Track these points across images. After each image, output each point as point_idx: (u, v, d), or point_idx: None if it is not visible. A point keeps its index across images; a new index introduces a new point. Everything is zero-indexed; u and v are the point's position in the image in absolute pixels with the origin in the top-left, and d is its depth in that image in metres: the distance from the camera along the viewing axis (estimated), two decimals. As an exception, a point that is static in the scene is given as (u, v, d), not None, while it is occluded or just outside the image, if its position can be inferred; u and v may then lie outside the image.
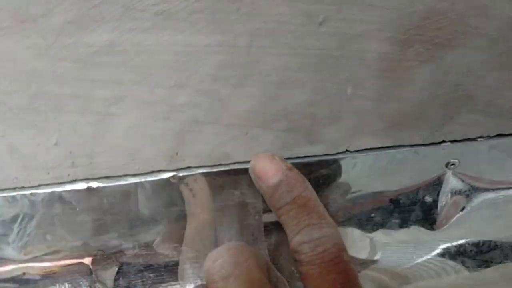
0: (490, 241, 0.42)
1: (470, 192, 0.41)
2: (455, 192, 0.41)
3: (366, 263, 0.42)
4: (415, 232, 0.40)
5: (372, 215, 0.39)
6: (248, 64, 0.30)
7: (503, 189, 0.42)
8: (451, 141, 0.39)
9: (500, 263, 0.43)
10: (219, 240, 0.33)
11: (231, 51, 0.30)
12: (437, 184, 0.40)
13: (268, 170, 0.29)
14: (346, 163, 0.37)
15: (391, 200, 0.39)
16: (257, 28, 0.30)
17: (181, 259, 0.31)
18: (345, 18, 0.30)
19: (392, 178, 0.39)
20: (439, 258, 0.42)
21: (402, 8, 0.31)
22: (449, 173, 0.40)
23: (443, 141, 0.39)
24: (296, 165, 0.32)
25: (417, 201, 0.40)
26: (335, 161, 0.36)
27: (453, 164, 0.40)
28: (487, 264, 0.43)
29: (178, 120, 0.31)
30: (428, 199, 0.40)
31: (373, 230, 0.39)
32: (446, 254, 0.42)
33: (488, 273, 0.45)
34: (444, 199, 0.40)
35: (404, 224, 0.40)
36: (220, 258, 0.26)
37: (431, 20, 0.32)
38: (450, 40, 0.33)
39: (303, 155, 0.36)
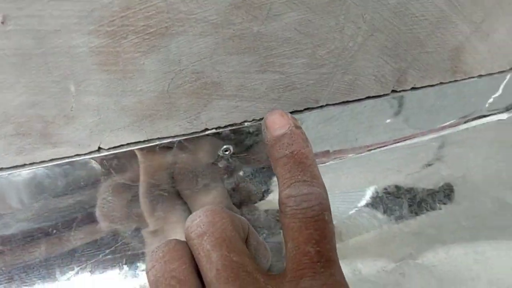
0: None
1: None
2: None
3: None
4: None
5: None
6: None
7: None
8: (216, 129, 0.36)
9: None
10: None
11: None
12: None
13: (277, 122, 0.32)
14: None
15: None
16: None
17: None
18: (31, 14, 0.27)
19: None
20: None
21: (96, 0, 0.28)
22: (226, 159, 0.38)
23: (206, 129, 0.36)
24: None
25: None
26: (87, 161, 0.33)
27: (226, 151, 0.37)
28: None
29: None
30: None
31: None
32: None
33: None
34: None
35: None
36: (198, 218, 0.28)
37: (134, 9, 0.29)
38: (167, 28, 0.30)
39: (49, 159, 0.34)
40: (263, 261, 0.30)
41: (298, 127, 0.30)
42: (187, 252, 0.27)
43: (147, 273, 0.28)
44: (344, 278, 0.28)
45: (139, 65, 0.31)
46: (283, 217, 0.27)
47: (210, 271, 0.25)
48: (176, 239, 0.29)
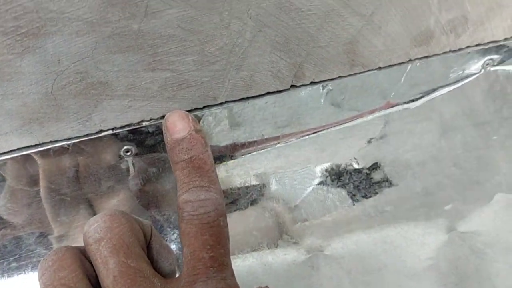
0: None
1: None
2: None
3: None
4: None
5: None
6: None
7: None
8: (112, 129, 0.34)
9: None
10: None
11: None
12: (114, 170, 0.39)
13: (177, 124, 0.30)
14: None
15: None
16: None
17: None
18: None
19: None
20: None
21: None
22: (128, 161, 0.35)
23: (101, 130, 0.34)
24: None
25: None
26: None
27: (128, 152, 0.35)
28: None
29: None
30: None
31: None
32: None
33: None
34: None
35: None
36: (95, 223, 0.26)
37: (1, 10, 0.26)
38: (39, 29, 0.28)
39: None
40: (166, 264, 0.29)
41: (198, 131, 0.30)
42: (78, 259, 0.26)
43: (39, 281, 0.27)
44: (235, 281, 0.28)
45: (16, 67, 0.29)
46: (180, 222, 0.27)
47: (107, 278, 0.24)
48: (66, 247, 0.28)
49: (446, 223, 0.44)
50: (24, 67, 0.30)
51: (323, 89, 0.40)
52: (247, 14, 0.34)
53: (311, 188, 0.42)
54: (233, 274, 0.28)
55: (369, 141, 0.44)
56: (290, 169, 0.42)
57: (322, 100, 0.41)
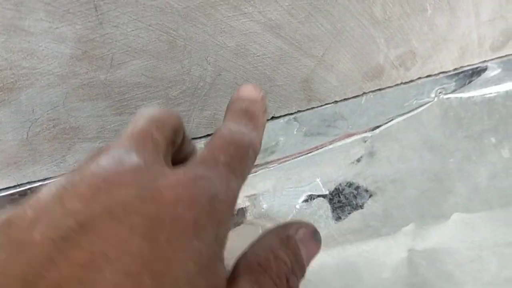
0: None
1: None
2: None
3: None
4: None
5: None
6: None
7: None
8: None
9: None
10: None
11: None
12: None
13: (249, 89, 0.28)
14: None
15: None
16: None
17: None
18: None
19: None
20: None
21: None
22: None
23: None
24: None
25: None
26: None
27: None
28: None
29: None
30: None
31: None
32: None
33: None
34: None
35: None
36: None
37: None
38: (13, 83, 0.32)
39: None
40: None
41: (264, 100, 0.27)
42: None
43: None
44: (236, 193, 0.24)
45: None
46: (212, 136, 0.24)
47: None
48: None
49: (406, 243, 0.48)
50: (0, 117, 0.33)
51: (294, 121, 0.43)
52: (206, 61, 0.37)
53: (293, 208, 0.46)
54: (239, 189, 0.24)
55: (333, 168, 0.48)
56: (275, 192, 0.46)
57: (295, 131, 0.44)
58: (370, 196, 0.49)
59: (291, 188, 0.46)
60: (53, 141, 0.35)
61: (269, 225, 0.45)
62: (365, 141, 0.49)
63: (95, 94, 0.34)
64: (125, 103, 0.35)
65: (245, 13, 0.36)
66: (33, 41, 0.31)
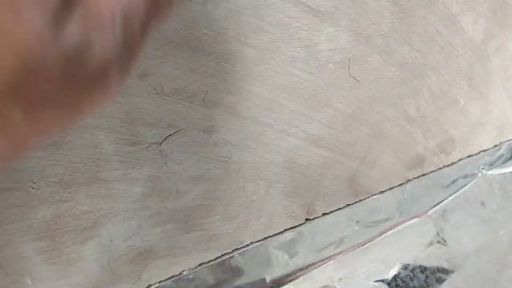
0: None
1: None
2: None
3: None
4: None
5: None
6: None
7: None
8: (159, 282, 0.43)
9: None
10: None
11: None
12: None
13: None
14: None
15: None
16: None
17: None
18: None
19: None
20: None
21: (32, 218, 0.36)
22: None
23: (150, 285, 0.42)
24: None
25: None
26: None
27: None
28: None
29: None
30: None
31: None
32: None
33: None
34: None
35: None
36: None
37: (63, 216, 0.37)
38: (95, 223, 0.37)
39: None
40: None
41: None
42: None
43: None
44: None
45: (79, 252, 0.38)
46: None
47: None
48: None
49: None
50: (85, 251, 0.38)
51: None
52: (258, 177, 0.42)
53: None
54: None
55: (391, 255, 0.51)
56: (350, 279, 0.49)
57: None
58: (430, 278, 0.51)
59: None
60: (130, 264, 0.40)
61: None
62: (419, 226, 0.51)
63: (164, 220, 0.39)
64: (190, 223, 0.40)
65: (290, 133, 0.41)
66: (109, 186, 0.36)
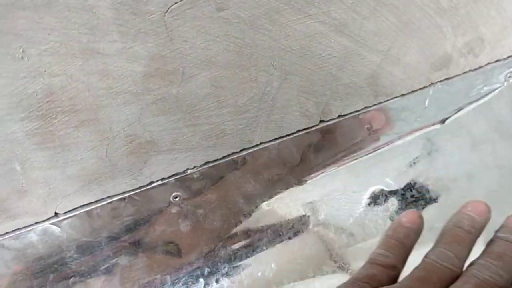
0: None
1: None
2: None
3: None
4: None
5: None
6: None
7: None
8: (161, 180, 0.39)
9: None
10: None
11: None
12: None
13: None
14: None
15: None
16: None
17: None
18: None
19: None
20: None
21: (20, 92, 0.33)
22: (178, 205, 0.42)
23: (152, 182, 0.39)
24: None
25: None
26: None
27: (176, 197, 0.40)
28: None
29: None
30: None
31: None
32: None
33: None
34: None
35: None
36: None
37: (57, 94, 0.32)
38: (91, 104, 0.34)
39: (12, 229, 0.38)
40: None
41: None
42: None
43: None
44: None
45: (74, 138, 0.34)
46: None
47: None
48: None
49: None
50: (81, 137, 0.35)
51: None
52: (272, 66, 0.38)
53: (352, 213, 0.46)
54: None
55: (402, 164, 0.47)
56: (332, 197, 0.46)
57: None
58: (443, 188, 0.48)
59: (355, 191, 0.46)
60: (130, 156, 0.36)
61: (321, 235, 0.45)
62: (434, 133, 0.48)
63: (168, 108, 0.35)
64: (196, 114, 0.36)
65: (310, 15, 0.36)
66: (108, 62, 0.32)
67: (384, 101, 0.42)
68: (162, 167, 0.38)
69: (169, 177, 0.39)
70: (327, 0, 0.35)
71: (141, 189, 0.39)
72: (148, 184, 0.39)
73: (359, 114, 0.43)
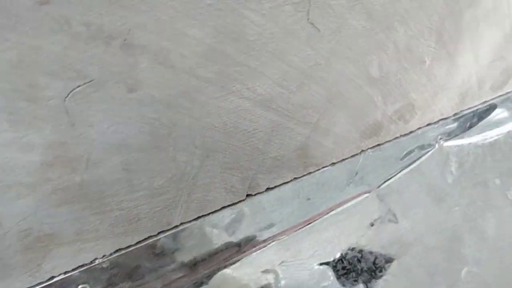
0: None
1: None
2: None
3: None
4: None
5: None
6: None
7: None
8: (64, 273, 0.34)
9: None
10: None
11: None
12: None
13: None
14: None
15: None
16: None
17: None
18: None
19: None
20: None
21: None
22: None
23: (53, 277, 0.34)
24: None
25: None
26: None
27: None
28: None
29: None
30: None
31: None
32: None
33: None
34: None
35: None
36: None
37: None
38: None
39: None
40: None
41: None
42: None
43: None
44: None
45: None
46: None
47: None
48: None
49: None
50: None
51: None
52: (193, 144, 0.35)
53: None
54: None
55: (333, 234, 0.46)
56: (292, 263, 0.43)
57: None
58: (380, 259, 0.47)
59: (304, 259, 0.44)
60: (26, 252, 0.32)
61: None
62: (369, 202, 0.47)
63: (71, 197, 0.31)
64: (105, 200, 0.33)
65: (233, 92, 0.34)
66: (-4, 153, 0.28)
67: (314, 171, 0.40)
68: (65, 259, 0.34)
69: (74, 269, 0.35)
70: (251, 76, 0.33)
71: (40, 285, 0.34)
72: (48, 280, 0.34)
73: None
